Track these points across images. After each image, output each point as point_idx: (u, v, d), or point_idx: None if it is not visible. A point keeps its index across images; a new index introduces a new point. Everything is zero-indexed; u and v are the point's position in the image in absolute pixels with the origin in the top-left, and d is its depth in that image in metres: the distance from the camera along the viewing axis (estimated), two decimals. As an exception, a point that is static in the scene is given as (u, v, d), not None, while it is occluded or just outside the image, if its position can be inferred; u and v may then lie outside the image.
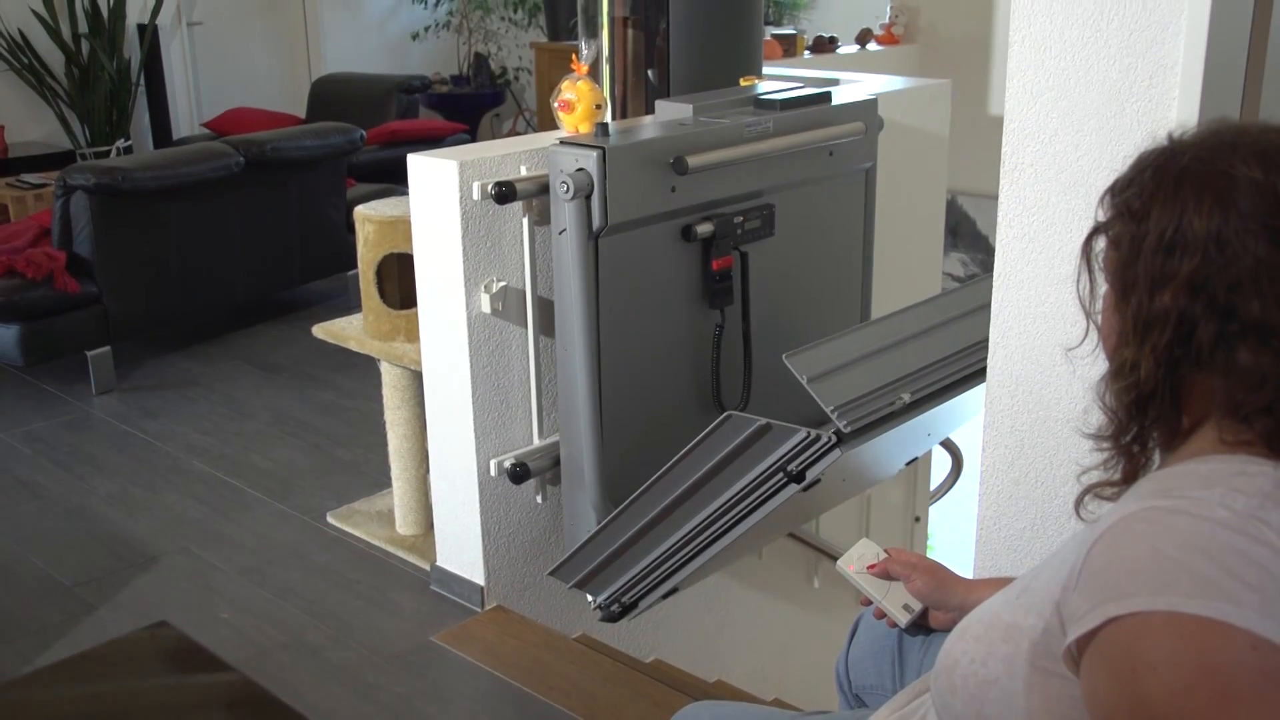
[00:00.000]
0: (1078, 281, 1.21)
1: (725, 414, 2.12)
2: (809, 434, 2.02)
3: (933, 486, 4.28)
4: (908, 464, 2.96)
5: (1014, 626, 1.14)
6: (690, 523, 2.27)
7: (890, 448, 2.49)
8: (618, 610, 2.47)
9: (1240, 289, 1.04)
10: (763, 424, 2.06)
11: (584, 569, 2.46)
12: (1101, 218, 1.18)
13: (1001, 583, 1.41)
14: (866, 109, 2.96)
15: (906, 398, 2.11)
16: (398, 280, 3.03)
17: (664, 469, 2.24)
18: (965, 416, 2.74)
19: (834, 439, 2.02)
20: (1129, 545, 0.99)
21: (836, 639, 1.94)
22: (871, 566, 1.72)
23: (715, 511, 2.23)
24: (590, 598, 2.52)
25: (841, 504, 2.98)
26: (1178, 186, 1.08)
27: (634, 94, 3.11)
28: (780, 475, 2.10)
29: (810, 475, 2.06)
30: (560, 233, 2.46)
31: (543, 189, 2.54)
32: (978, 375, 2.29)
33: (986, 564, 2.12)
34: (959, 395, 2.28)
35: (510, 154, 2.59)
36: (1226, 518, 0.97)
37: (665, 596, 2.44)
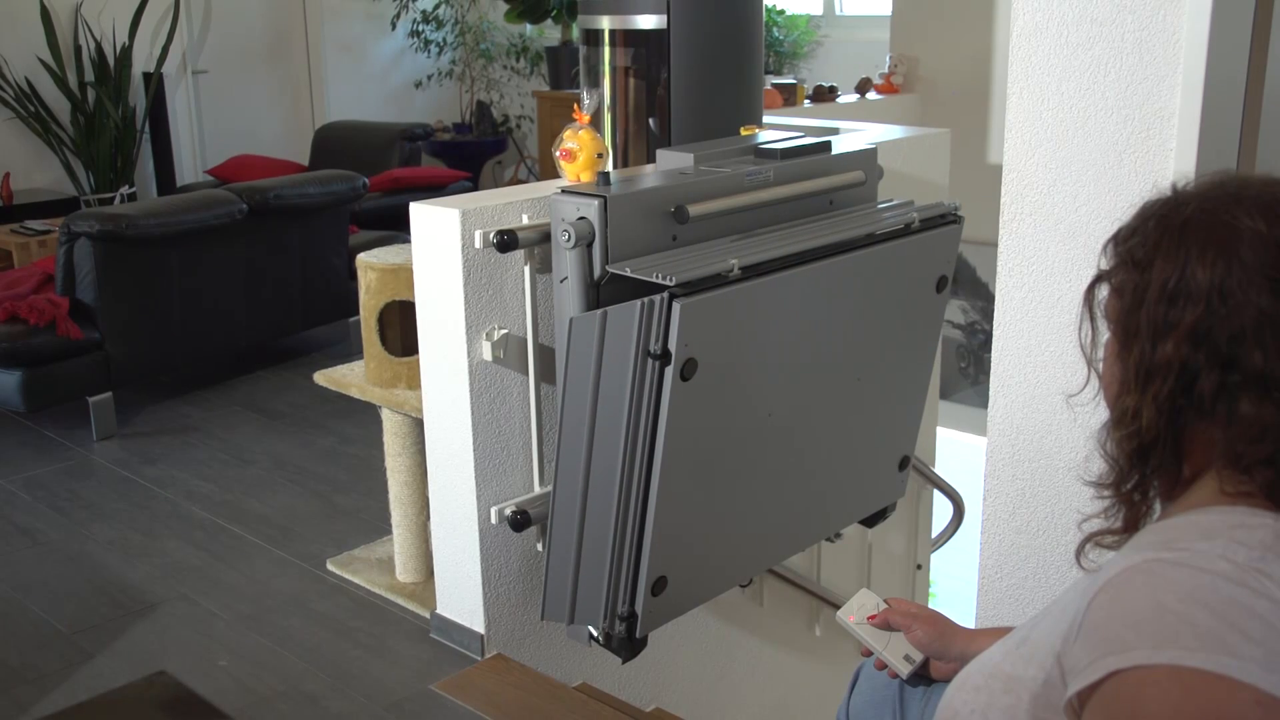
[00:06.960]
0: (1079, 329, 1.21)
1: (569, 319, 2.26)
2: (645, 301, 2.16)
3: (934, 534, 4.27)
4: (902, 468, 2.93)
5: (1014, 678, 1.13)
6: (614, 472, 2.30)
7: (800, 381, 2.53)
8: (623, 630, 2.44)
9: (1242, 340, 1.04)
10: (602, 312, 2.22)
11: (565, 594, 2.44)
12: (1104, 266, 1.19)
13: (1003, 633, 1.41)
14: (866, 158, 2.97)
15: (735, 261, 2.25)
16: (399, 327, 3.04)
17: (559, 419, 2.32)
18: (892, 363, 2.77)
19: (668, 297, 2.14)
20: (1130, 598, 0.98)
21: (838, 688, 1.92)
22: (872, 617, 1.71)
23: (625, 441, 2.27)
24: (593, 631, 2.50)
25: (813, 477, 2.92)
26: (1181, 236, 1.09)
27: (635, 143, 3.13)
28: (651, 363, 2.20)
29: (673, 349, 2.16)
30: (561, 281, 2.47)
31: (544, 237, 2.55)
32: (818, 255, 2.45)
33: (988, 612, 2.12)
34: (805, 269, 2.42)
35: (512, 203, 2.60)
36: (1228, 570, 0.97)
37: (656, 593, 2.40)
